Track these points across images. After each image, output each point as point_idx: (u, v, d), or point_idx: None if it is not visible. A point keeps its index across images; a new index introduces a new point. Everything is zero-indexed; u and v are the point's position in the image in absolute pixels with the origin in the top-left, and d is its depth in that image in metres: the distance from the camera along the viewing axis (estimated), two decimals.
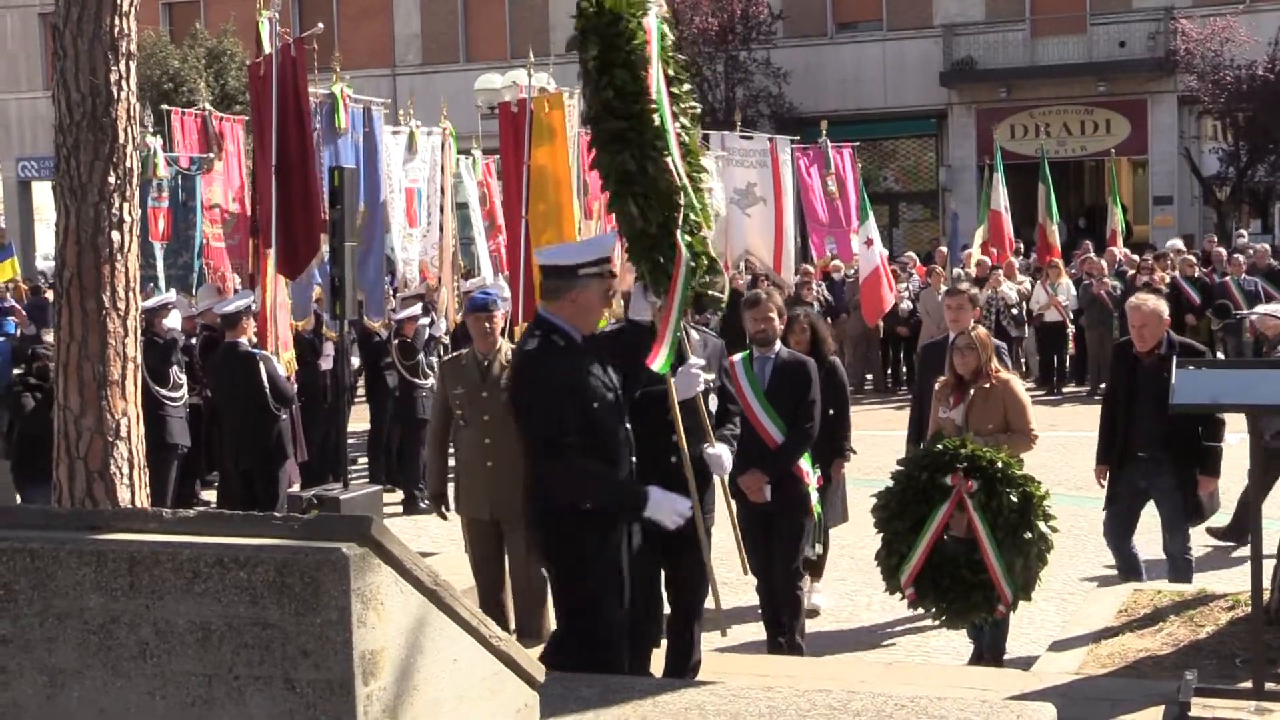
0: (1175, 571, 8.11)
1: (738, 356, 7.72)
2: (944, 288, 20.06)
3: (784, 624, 7.59)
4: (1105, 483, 8.26)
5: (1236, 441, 7.76)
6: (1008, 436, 7.47)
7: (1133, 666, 6.77)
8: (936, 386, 7.92)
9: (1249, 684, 6.00)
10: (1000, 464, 6.87)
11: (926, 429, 8.01)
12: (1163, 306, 8.19)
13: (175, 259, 15.73)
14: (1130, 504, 8.18)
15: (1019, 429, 7.56)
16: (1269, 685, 5.91)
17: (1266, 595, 6.74)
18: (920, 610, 7.37)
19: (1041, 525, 6.84)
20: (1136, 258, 21.29)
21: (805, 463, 7.62)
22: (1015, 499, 6.81)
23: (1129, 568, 8.18)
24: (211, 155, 15.63)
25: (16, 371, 11.80)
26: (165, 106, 17.28)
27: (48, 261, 33.02)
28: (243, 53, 31.70)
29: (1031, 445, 7.61)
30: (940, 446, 6.98)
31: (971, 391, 7.63)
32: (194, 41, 32.86)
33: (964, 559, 6.85)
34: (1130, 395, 8.09)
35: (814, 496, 7.71)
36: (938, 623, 7.36)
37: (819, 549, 8.35)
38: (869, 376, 21.23)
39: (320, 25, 14.05)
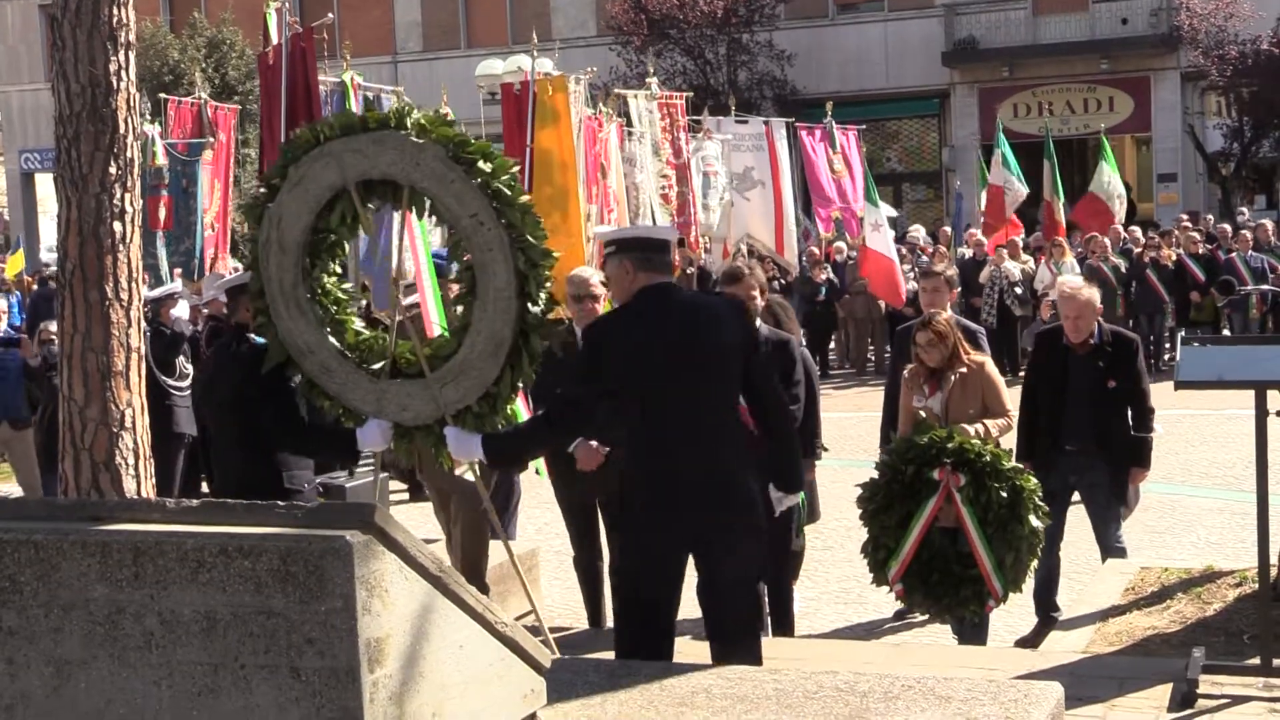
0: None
1: None
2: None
3: (771, 621, 7.32)
4: None
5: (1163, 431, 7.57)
6: (991, 423, 7.22)
7: (1140, 644, 6.77)
8: (906, 374, 7.58)
9: (1257, 661, 6.00)
10: (989, 457, 6.74)
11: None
12: (1096, 295, 7.87)
13: (177, 245, 15.78)
14: (1062, 503, 7.77)
15: (996, 411, 7.29)
16: (1277, 662, 5.90)
17: (1274, 571, 6.73)
18: (906, 606, 7.23)
19: (1032, 519, 6.72)
20: (1141, 235, 21.22)
21: None
22: (1005, 493, 6.68)
23: (1050, 577, 7.75)
24: (209, 140, 15.67)
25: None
26: (163, 95, 17.30)
27: (52, 253, 33.07)
28: (242, 42, 31.67)
29: (1011, 427, 7.37)
30: (927, 439, 6.81)
31: (951, 379, 7.31)
32: (193, 31, 32.82)
33: (953, 553, 6.75)
34: (1059, 386, 7.70)
35: None
36: (925, 617, 7.24)
37: (800, 541, 7.86)
38: (871, 357, 21.27)
39: (331, 15, 14.07)
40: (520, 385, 5.54)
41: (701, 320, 5.22)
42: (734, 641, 5.27)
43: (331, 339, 5.67)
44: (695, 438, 5.13)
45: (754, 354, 5.33)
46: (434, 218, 5.67)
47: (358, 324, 5.87)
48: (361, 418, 5.71)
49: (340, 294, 5.82)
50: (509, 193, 5.32)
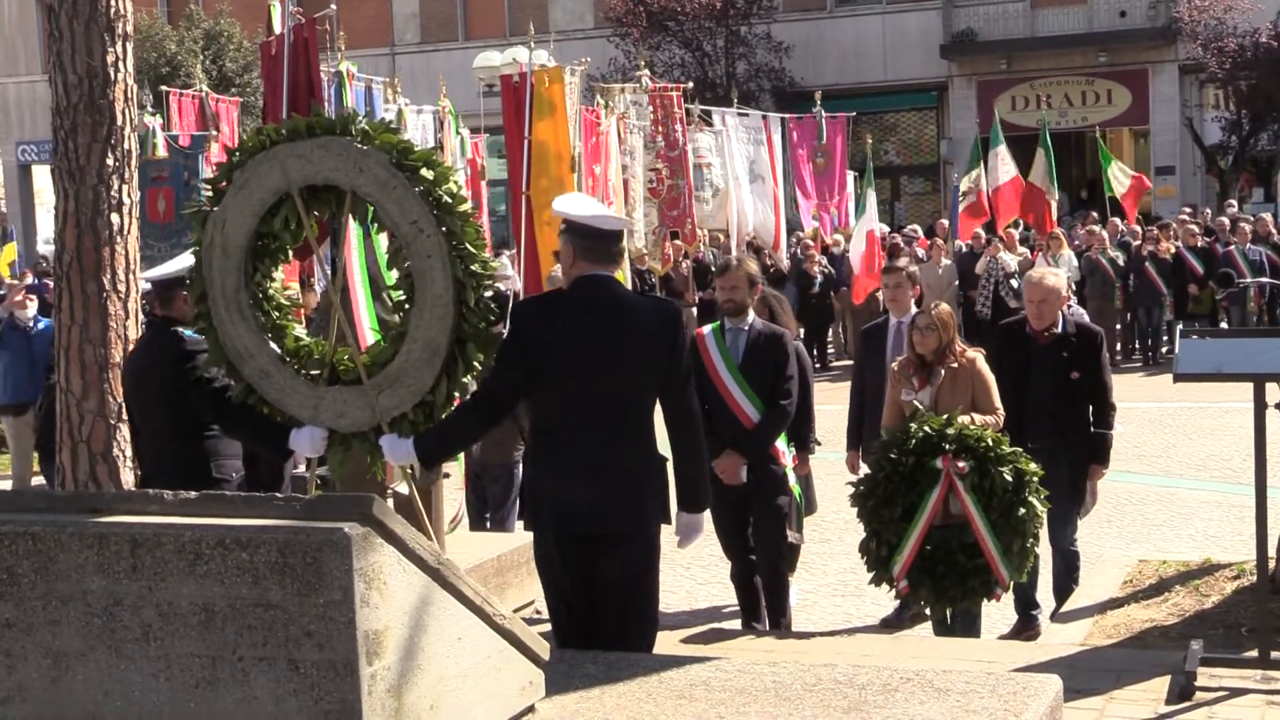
0: (1065, 564, 7.74)
1: (707, 328, 7.45)
2: (945, 261, 20.03)
3: (767, 614, 7.35)
4: None
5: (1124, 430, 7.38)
6: (979, 418, 7.04)
7: (1138, 637, 6.77)
8: (895, 367, 7.45)
9: (1255, 653, 6.00)
10: (989, 442, 6.65)
11: (867, 423, 7.77)
12: (1062, 284, 7.73)
13: (178, 239, 15.75)
14: None
15: (985, 408, 7.13)
16: (1275, 654, 5.90)
17: (1272, 564, 6.73)
18: (911, 602, 7.12)
19: (1035, 501, 6.63)
20: (1139, 228, 21.20)
21: (781, 441, 7.35)
22: (1009, 476, 6.59)
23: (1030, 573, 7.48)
24: (212, 134, 15.64)
25: None
26: (164, 88, 17.28)
27: (49, 245, 33.01)
28: (240, 34, 31.62)
29: (999, 423, 7.16)
30: (927, 429, 6.70)
31: (941, 372, 7.20)
32: (190, 23, 32.77)
33: (956, 543, 6.64)
34: (1021, 380, 7.50)
35: (791, 477, 7.42)
36: (928, 610, 7.15)
37: (800, 535, 7.79)
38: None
39: (334, 6, 14.03)
40: (456, 394, 5.51)
41: (623, 321, 5.15)
42: (611, 639, 5.18)
43: (271, 344, 5.64)
44: (595, 436, 5.09)
45: (676, 364, 5.22)
46: (375, 224, 5.64)
47: (298, 330, 5.85)
48: (300, 422, 5.68)
49: (283, 300, 5.80)
50: (450, 200, 5.33)
